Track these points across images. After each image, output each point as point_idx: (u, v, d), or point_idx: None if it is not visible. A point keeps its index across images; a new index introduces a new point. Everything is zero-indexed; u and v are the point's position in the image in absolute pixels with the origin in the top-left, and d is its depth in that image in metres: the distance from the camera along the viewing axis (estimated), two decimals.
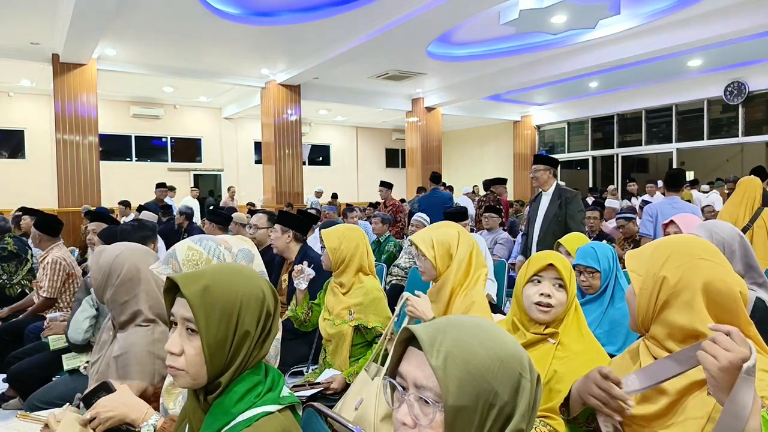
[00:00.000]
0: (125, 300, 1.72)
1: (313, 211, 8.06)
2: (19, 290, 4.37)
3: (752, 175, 4.16)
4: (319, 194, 12.81)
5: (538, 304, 1.55)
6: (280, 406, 1.05)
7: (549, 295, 1.54)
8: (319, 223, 7.04)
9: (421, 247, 2.04)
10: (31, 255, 4.53)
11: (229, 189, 12.62)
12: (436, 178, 7.40)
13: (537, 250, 4.27)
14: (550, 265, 1.57)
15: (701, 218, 3.49)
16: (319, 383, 2.24)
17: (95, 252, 1.77)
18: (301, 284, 2.54)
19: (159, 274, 1.43)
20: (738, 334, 0.91)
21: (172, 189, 10.03)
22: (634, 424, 1.13)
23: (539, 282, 1.57)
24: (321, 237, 2.50)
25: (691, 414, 1.04)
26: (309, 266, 2.59)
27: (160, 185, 8.73)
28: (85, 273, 4.16)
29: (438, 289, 2.07)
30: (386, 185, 7.59)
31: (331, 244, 2.41)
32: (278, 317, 1.10)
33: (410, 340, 0.81)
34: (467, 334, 0.77)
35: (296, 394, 2.06)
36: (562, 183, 4.22)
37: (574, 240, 2.82)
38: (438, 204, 6.47)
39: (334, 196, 12.85)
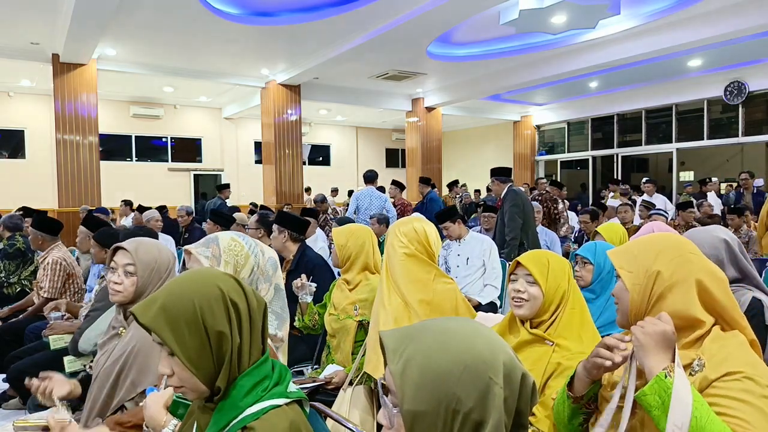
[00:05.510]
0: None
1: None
2: (18, 289, 4.36)
3: None
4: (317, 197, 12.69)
5: (514, 299, 1.66)
6: (288, 400, 1.05)
7: (520, 290, 1.63)
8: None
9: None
10: (35, 256, 4.52)
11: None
12: (428, 180, 7.55)
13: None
14: (519, 263, 1.68)
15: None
16: (321, 379, 2.27)
17: (133, 248, 1.67)
18: (307, 298, 2.60)
19: (198, 255, 1.46)
20: (665, 316, 1.09)
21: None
22: None
23: (515, 280, 1.68)
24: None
25: None
26: (309, 276, 2.65)
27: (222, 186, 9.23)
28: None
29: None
30: (398, 185, 7.50)
31: (339, 241, 2.51)
32: (254, 299, 1.07)
33: None
34: (434, 339, 0.78)
35: (297, 387, 2.07)
36: (518, 187, 4.77)
37: (610, 229, 3.09)
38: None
39: (335, 190, 12.51)
